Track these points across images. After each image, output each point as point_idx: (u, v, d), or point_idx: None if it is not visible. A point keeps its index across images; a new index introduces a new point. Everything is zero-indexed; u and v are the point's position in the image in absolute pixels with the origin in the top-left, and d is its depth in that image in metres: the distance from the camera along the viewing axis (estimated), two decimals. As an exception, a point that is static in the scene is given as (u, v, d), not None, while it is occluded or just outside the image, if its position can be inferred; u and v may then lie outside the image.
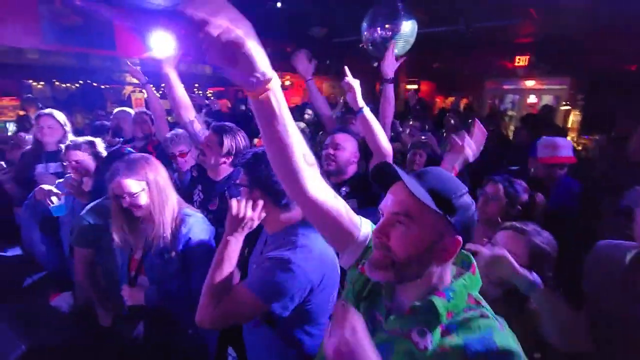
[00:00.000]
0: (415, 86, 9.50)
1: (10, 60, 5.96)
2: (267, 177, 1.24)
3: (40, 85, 7.42)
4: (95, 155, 2.34)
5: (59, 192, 2.26)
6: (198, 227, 1.64)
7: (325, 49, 6.89)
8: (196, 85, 8.32)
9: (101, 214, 1.88)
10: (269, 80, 0.72)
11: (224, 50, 0.65)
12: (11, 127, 5.65)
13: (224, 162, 2.04)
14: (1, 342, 1.51)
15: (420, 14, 3.45)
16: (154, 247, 1.59)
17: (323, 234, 1.02)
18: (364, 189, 2.04)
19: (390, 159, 1.93)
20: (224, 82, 9.36)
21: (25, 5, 3.89)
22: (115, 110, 3.84)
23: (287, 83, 9.34)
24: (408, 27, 3.25)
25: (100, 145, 2.41)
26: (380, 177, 0.89)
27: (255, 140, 3.17)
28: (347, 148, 2.10)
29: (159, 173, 1.61)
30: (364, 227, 1.00)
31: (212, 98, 7.44)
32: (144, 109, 3.57)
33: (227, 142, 2.00)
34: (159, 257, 1.60)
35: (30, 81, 7.30)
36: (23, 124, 4.91)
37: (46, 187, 2.26)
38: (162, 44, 2.73)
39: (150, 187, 1.56)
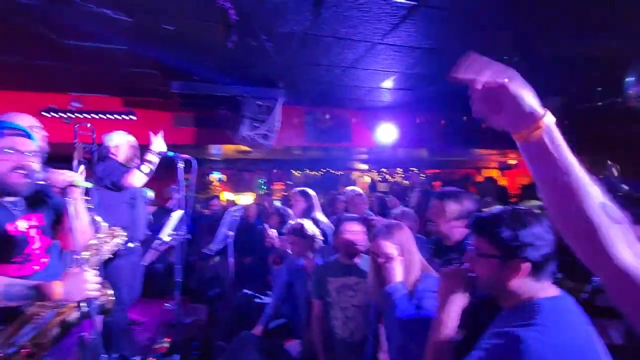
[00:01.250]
0: None
1: (282, 156, 8.38)
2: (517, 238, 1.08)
3: (298, 173, 9.86)
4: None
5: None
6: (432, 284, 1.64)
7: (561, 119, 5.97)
8: (413, 169, 8.85)
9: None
10: (538, 118, 0.66)
11: (488, 99, 0.67)
12: (278, 204, 7.64)
13: (455, 227, 2.01)
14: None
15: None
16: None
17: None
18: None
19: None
20: (438, 164, 9.56)
21: (296, 115, 5.46)
22: (347, 188, 4.61)
23: (512, 162, 8.53)
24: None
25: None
26: None
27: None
28: None
29: (410, 238, 1.82)
30: None
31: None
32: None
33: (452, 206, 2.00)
34: None
35: (292, 171, 9.82)
36: (286, 201, 6.55)
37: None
38: (387, 134, 3.15)
39: (402, 249, 1.76)
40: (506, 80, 0.65)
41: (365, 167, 9.61)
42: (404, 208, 3.69)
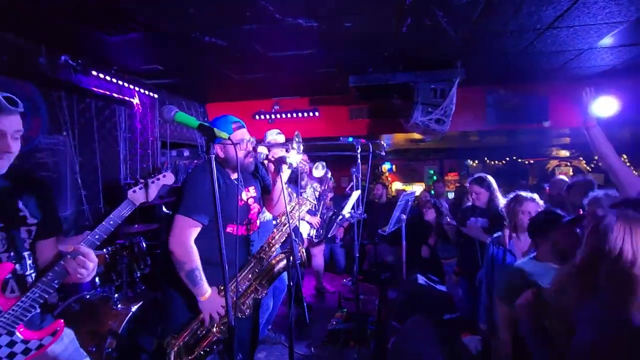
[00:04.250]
0: None
1: (457, 144, 7.79)
2: None
3: (474, 163, 8.98)
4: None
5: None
6: None
7: None
8: None
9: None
10: None
11: None
12: (450, 195, 7.18)
13: None
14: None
15: None
16: None
17: None
18: None
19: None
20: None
21: (474, 96, 4.95)
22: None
23: None
24: None
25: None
26: None
27: None
28: None
29: None
30: None
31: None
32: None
33: None
34: None
35: (468, 160, 9.02)
36: (458, 192, 6.09)
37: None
38: (604, 107, 2.47)
39: None
40: None
41: (565, 153, 7.81)
42: None
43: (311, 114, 5.57)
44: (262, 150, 1.85)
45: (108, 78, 4.01)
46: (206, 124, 1.28)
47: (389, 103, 4.63)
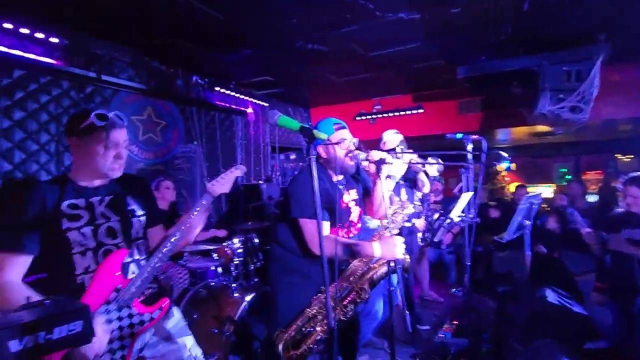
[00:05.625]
0: None
1: (597, 136, 6.37)
2: None
3: (626, 158, 7.26)
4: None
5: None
6: None
7: None
8: None
9: None
10: None
11: None
12: (591, 198, 5.93)
13: None
14: None
15: None
16: None
17: None
18: None
19: None
20: None
21: (625, 76, 3.98)
22: None
23: None
24: None
25: None
26: None
27: None
28: None
29: None
30: None
31: None
32: None
33: None
34: None
35: (618, 155, 7.34)
36: (604, 194, 4.99)
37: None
38: None
39: None
40: None
41: None
42: None
43: (414, 111, 5.31)
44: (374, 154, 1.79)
45: (228, 92, 4.55)
46: (307, 125, 1.31)
47: (506, 93, 4.08)
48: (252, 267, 3.18)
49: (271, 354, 1.77)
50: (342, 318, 1.76)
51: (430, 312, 3.89)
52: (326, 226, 1.80)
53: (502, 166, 8.64)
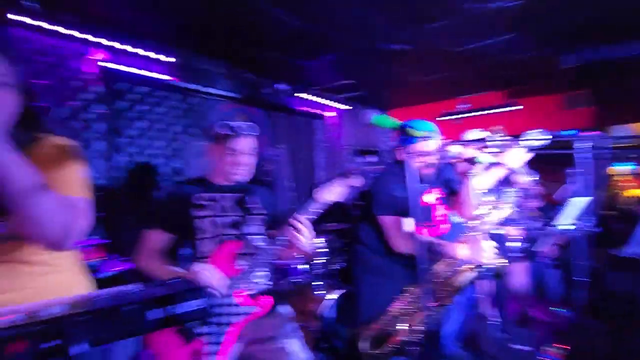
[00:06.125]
0: None
1: None
2: None
3: None
4: None
5: None
6: None
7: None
8: None
9: None
10: None
11: None
12: None
13: None
14: None
15: None
16: None
17: None
18: None
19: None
20: None
21: None
22: None
23: None
24: None
25: None
26: None
27: None
28: None
29: None
30: None
31: None
32: None
33: None
34: None
35: None
36: None
37: None
38: None
39: None
40: None
41: None
42: None
43: (509, 108, 4.85)
44: (454, 149, 1.71)
45: (310, 97, 4.73)
46: (404, 123, 1.30)
47: (624, 83, 3.48)
48: (335, 267, 3.27)
49: (354, 351, 1.78)
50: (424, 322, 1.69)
51: (531, 332, 3.49)
52: (409, 223, 1.77)
53: (622, 169, 7.36)
